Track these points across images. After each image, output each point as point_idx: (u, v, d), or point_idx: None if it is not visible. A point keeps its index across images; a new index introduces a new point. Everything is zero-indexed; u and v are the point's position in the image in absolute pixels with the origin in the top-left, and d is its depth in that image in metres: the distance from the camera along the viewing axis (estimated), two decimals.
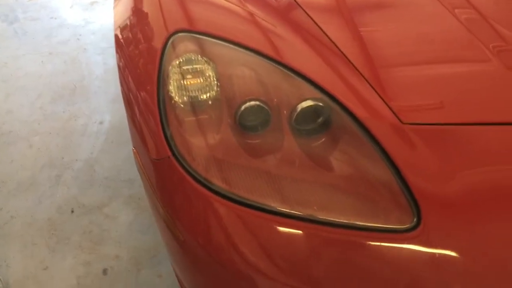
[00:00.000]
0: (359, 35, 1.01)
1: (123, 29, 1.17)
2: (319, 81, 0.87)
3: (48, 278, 1.57)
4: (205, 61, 0.90)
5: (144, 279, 1.58)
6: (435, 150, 0.81)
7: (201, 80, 0.89)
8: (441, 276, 0.72)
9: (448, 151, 0.81)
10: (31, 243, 1.68)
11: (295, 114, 0.85)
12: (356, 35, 1.01)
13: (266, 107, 0.86)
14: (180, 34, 0.93)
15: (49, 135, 2.11)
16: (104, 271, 1.60)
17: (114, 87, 2.39)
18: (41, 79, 2.45)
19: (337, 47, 0.95)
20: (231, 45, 0.91)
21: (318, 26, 1.00)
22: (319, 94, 0.86)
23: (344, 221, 0.76)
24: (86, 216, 1.77)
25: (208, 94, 0.88)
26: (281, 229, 0.77)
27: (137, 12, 1.13)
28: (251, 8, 1.02)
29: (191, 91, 0.88)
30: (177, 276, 1.14)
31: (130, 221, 1.76)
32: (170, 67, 0.90)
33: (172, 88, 0.89)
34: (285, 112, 0.86)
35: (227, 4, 1.03)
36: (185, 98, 0.88)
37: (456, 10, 1.07)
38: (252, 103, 0.86)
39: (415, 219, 0.75)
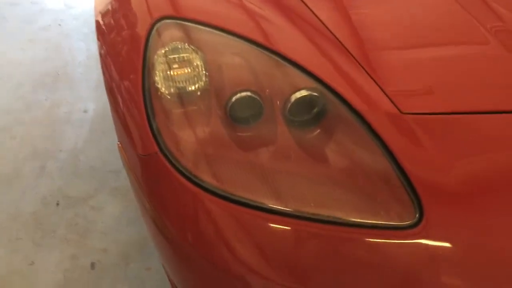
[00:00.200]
0: (353, 19, 0.96)
1: (104, 14, 1.11)
2: (313, 69, 0.83)
3: (34, 273, 1.53)
4: (193, 50, 0.85)
5: (133, 273, 1.54)
6: (437, 141, 0.77)
7: (189, 70, 0.84)
8: (445, 274, 0.69)
9: (451, 142, 0.77)
10: (15, 237, 1.63)
11: (289, 104, 0.81)
12: (349, 19, 0.96)
13: (258, 98, 0.81)
14: (165, 21, 0.88)
15: (31, 125, 2.05)
16: (92, 265, 1.56)
17: (97, 73, 2.32)
18: (22, 67, 2.37)
19: (330, 32, 0.91)
20: (220, 32, 0.86)
21: (310, 10, 0.94)
22: (313, 83, 0.82)
23: (343, 218, 0.73)
24: (72, 209, 1.73)
25: (196, 85, 0.84)
26: (274, 227, 0.74)
27: None
28: None
29: (178, 81, 0.84)
30: (166, 271, 1.11)
31: (117, 213, 1.72)
32: (156, 56, 0.85)
33: (158, 79, 0.84)
34: (278, 102, 0.82)
35: None
36: (172, 89, 0.84)
37: None
38: (243, 93, 0.81)
39: (417, 215, 0.71)
